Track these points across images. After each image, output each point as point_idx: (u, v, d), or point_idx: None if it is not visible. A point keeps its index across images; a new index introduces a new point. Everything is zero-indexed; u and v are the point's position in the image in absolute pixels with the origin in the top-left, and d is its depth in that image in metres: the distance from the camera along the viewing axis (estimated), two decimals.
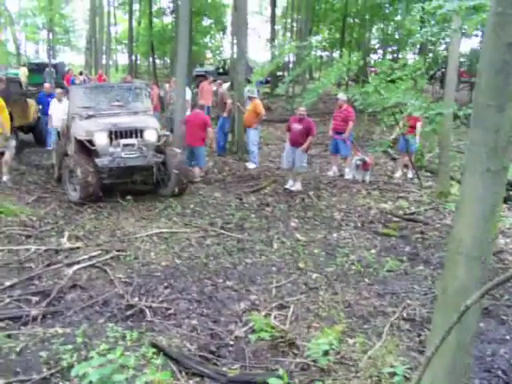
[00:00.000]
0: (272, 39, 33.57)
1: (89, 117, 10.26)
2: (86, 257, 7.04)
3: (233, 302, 5.97)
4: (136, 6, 48.01)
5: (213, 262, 7.17)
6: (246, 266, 7.10)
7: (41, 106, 15.23)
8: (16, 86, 15.11)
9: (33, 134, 15.57)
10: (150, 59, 45.37)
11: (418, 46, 25.16)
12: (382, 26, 35.03)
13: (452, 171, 11.38)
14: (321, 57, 43.44)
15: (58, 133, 11.92)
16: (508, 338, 5.33)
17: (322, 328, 5.25)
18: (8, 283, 6.17)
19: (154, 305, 5.75)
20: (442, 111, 9.39)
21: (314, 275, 6.79)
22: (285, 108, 24.49)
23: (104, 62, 37.79)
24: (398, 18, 30.88)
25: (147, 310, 5.58)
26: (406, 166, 12.74)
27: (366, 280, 6.69)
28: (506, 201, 9.25)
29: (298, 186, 11.16)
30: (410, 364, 4.63)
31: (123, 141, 9.88)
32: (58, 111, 12.50)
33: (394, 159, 14.17)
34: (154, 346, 4.68)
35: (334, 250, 7.74)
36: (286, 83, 12.37)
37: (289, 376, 4.27)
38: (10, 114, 11.32)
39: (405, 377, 4.36)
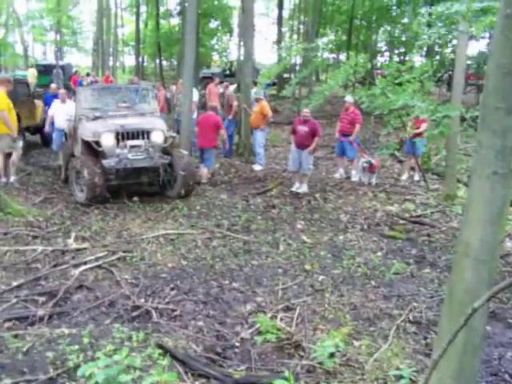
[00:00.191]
0: (279, 41, 33.58)
1: (96, 118, 10.27)
2: (92, 258, 7.06)
3: (239, 303, 5.97)
4: (143, 8, 48.24)
5: (219, 263, 7.17)
6: (252, 267, 7.10)
7: (47, 107, 15.26)
8: (23, 87, 15.16)
9: (40, 134, 15.62)
10: (157, 61, 45.57)
11: (425, 49, 25.08)
12: (388, 28, 35.00)
13: (459, 174, 11.35)
14: (327, 59, 43.43)
15: (65, 133, 11.95)
16: None
17: (328, 330, 5.24)
18: (15, 283, 6.19)
19: (160, 306, 5.75)
20: (449, 114, 9.36)
21: (320, 277, 6.78)
22: (291, 110, 24.48)
23: (111, 63, 37.99)
24: (405, 20, 30.85)
25: (153, 311, 5.58)
26: (412, 168, 12.71)
27: (372, 282, 6.68)
28: None
29: (304, 188, 11.16)
30: (417, 367, 4.62)
31: (130, 142, 9.90)
32: (61, 112, 12.45)
33: (400, 162, 14.14)
34: (160, 347, 4.69)
35: (340, 253, 7.73)
36: (293, 85, 12.39)
37: (294, 378, 4.26)
38: (18, 115, 11.37)
39: (411, 379, 4.35)
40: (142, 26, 47.26)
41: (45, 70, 30.13)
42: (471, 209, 3.13)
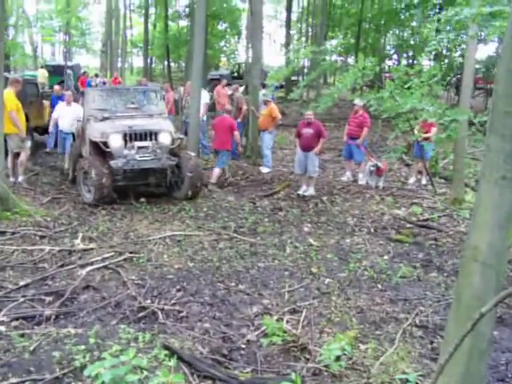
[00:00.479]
0: (287, 44, 33.58)
1: (104, 119, 10.30)
2: (99, 258, 7.08)
3: (245, 305, 5.97)
4: (152, 10, 48.33)
5: (225, 265, 7.17)
6: (259, 269, 7.10)
7: (52, 109, 15.21)
8: (32, 87, 15.21)
9: (48, 135, 15.64)
10: (165, 62, 45.66)
11: (434, 52, 25.05)
12: (397, 31, 34.96)
13: (466, 178, 11.32)
14: (336, 61, 43.43)
15: (73, 134, 11.97)
16: None
17: (335, 333, 5.24)
18: (22, 283, 6.22)
19: (166, 307, 5.76)
20: (457, 118, 9.34)
21: (327, 280, 6.77)
22: (299, 112, 24.44)
23: (119, 64, 38.05)
24: (414, 23, 30.80)
25: (159, 313, 5.59)
26: (420, 172, 12.68)
27: (379, 286, 6.67)
28: None
29: (311, 191, 11.15)
30: (423, 371, 4.61)
31: (138, 143, 9.93)
32: (66, 114, 12.38)
33: (407, 165, 14.11)
34: (166, 348, 4.69)
35: (346, 256, 7.72)
36: (301, 88, 12.36)
37: (301, 381, 4.25)
38: (26, 115, 11.41)
39: None
40: (150, 27, 47.40)
41: (54, 71, 30.29)
42: (479, 213, 3.11)
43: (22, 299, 5.77)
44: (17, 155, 10.85)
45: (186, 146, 11.93)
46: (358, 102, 12.35)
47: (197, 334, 5.20)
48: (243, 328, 5.42)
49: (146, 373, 4.02)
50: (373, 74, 11.01)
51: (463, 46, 13.34)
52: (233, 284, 6.57)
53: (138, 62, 61.29)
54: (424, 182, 12.42)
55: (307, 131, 11.04)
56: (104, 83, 26.58)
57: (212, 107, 17.38)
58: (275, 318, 5.56)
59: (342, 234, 8.78)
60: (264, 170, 13.40)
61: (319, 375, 4.55)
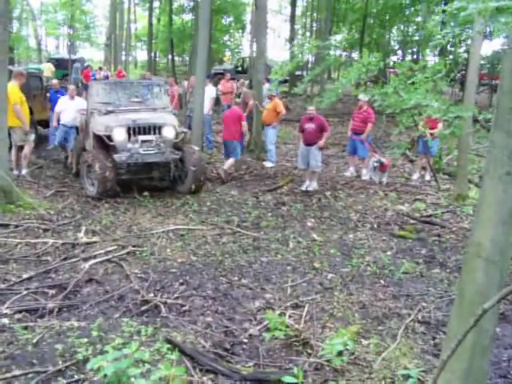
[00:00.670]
0: (291, 38, 33.53)
1: (108, 112, 10.30)
2: (102, 251, 7.09)
3: (248, 300, 5.97)
4: (156, 3, 48.31)
5: (228, 259, 7.18)
6: (262, 264, 7.11)
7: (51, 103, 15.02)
8: (36, 80, 15.21)
9: (49, 130, 15.62)
10: (169, 56, 45.59)
11: (439, 48, 24.96)
12: (402, 26, 34.85)
13: (470, 174, 11.29)
14: (340, 56, 43.34)
15: (77, 128, 11.96)
16: None
17: (337, 328, 5.24)
18: (25, 276, 6.23)
19: (169, 301, 5.76)
20: (461, 114, 9.31)
21: (330, 275, 6.77)
22: (303, 107, 24.43)
23: (123, 58, 38.05)
24: (419, 19, 30.69)
25: (162, 306, 5.60)
26: (423, 168, 12.67)
27: (382, 281, 6.66)
28: None
29: (314, 186, 11.15)
30: (425, 367, 4.61)
31: (141, 137, 9.93)
32: (69, 108, 12.30)
33: (411, 161, 14.10)
34: (168, 341, 4.70)
35: (349, 251, 7.72)
36: (305, 83, 12.32)
37: (302, 375, 4.26)
38: (30, 109, 11.42)
39: (419, 379, 4.33)
40: (154, 21, 47.36)
41: (57, 64, 30.32)
42: (483, 209, 3.11)
43: (25, 292, 5.78)
44: (20, 148, 10.87)
45: (189, 140, 11.93)
46: (362, 97, 12.30)
47: (199, 327, 5.21)
48: (245, 322, 5.43)
49: (148, 366, 4.03)
50: (377, 69, 10.96)
51: (468, 41, 13.28)
52: (235, 278, 6.57)
53: (142, 55, 61.37)
54: (428, 177, 12.41)
55: (309, 126, 11.06)
56: (107, 77, 26.51)
57: (217, 101, 17.37)
58: (277, 312, 5.56)
59: (345, 229, 8.78)
60: (268, 164, 13.41)
61: (321, 370, 4.55)
